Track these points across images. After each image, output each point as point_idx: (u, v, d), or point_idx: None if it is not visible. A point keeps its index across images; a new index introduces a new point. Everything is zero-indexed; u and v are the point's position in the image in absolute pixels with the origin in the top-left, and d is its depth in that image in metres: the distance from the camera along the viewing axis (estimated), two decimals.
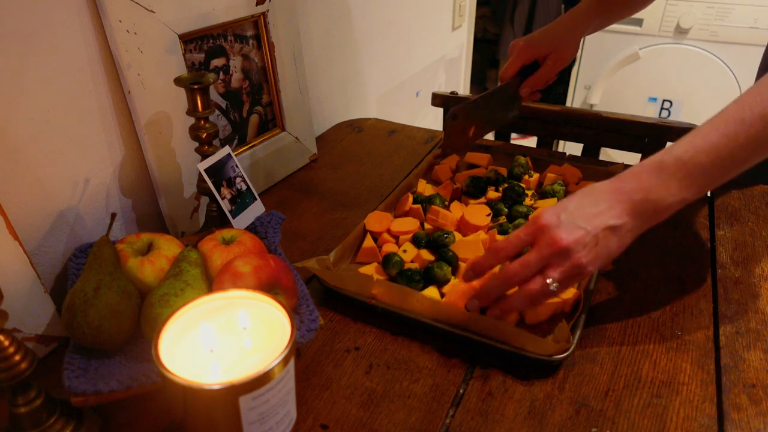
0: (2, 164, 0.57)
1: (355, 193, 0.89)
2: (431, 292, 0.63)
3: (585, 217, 0.52)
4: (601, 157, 1.03)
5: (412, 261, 0.69)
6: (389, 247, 0.71)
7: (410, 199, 0.79)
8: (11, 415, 0.45)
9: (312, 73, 1.06)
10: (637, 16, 2.00)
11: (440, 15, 1.58)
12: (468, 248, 0.68)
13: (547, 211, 0.53)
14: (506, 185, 0.80)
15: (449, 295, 0.62)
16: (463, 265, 0.67)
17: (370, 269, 0.68)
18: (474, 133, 0.85)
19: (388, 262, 0.67)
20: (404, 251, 0.69)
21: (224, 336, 0.43)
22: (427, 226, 0.74)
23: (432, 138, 1.06)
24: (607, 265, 0.56)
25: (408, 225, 0.74)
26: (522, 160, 0.87)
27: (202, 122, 0.65)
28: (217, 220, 0.69)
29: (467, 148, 0.93)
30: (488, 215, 0.73)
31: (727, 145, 0.49)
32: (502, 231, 0.72)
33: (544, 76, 0.83)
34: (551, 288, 0.52)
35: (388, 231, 0.74)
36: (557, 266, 0.52)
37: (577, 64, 2.19)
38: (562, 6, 2.33)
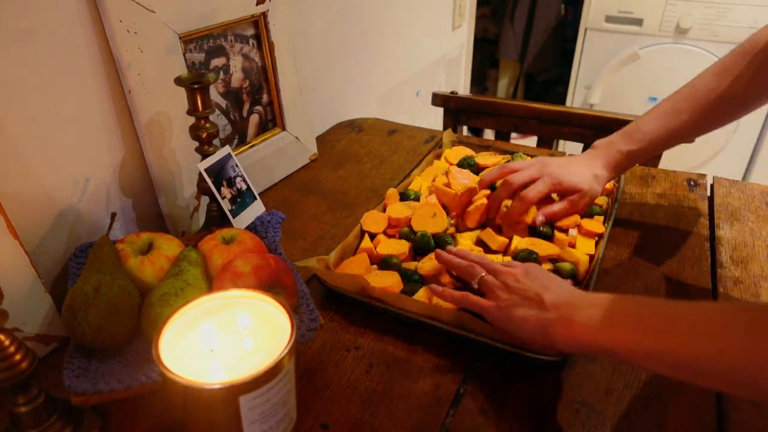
0: (2, 164, 0.57)
1: (355, 192, 0.89)
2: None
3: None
4: None
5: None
6: (387, 247, 0.71)
7: (396, 194, 0.79)
8: (11, 415, 0.45)
9: (312, 73, 1.06)
10: (636, 16, 2.01)
11: (440, 15, 1.58)
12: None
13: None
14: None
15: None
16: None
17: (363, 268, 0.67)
18: None
19: (386, 263, 0.67)
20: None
21: (224, 335, 0.43)
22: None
23: (432, 137, 1.06)
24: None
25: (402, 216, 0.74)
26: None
27: (203, 122, 0.65)
28: (217, 220, 0.69)
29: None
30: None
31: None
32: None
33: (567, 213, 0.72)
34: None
35: (385, 232, 0.74)
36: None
37: (577, 64, 2.19)
38: (562, 6, 2.33)
